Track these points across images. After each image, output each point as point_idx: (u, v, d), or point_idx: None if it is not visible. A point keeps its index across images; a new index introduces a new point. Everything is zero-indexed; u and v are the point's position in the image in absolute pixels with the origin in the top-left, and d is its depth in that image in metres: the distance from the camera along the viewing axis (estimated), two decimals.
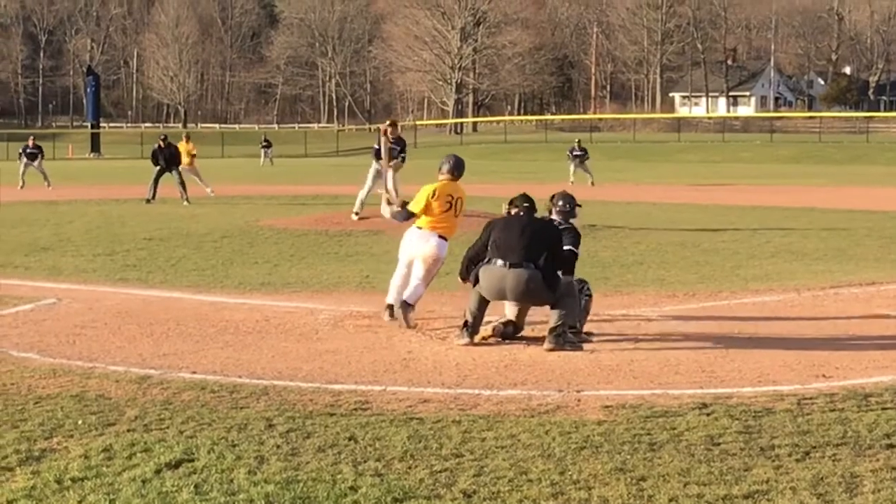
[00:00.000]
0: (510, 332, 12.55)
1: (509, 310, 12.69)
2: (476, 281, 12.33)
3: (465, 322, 12.20)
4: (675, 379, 10.54)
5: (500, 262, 12.13)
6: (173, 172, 36.55)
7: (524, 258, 12.09)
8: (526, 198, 12.80)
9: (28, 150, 48.39)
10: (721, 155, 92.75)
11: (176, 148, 37.94)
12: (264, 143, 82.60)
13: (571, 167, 53.01)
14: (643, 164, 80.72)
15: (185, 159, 38.79)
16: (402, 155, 26.69)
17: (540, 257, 12.14)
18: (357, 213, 26.75)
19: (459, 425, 8.74)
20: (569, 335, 11.98)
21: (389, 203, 14.23)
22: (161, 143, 37.30)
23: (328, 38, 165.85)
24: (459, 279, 12.91)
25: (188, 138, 41.64)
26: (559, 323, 11.90)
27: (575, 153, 52.98)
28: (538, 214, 12.79)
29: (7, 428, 8.61)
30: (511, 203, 12.95)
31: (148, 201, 35.40)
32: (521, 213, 12.62)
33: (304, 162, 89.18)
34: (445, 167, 13.78)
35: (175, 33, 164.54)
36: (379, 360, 11.29)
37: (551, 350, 11.74)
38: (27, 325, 13.30)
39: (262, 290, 16.35)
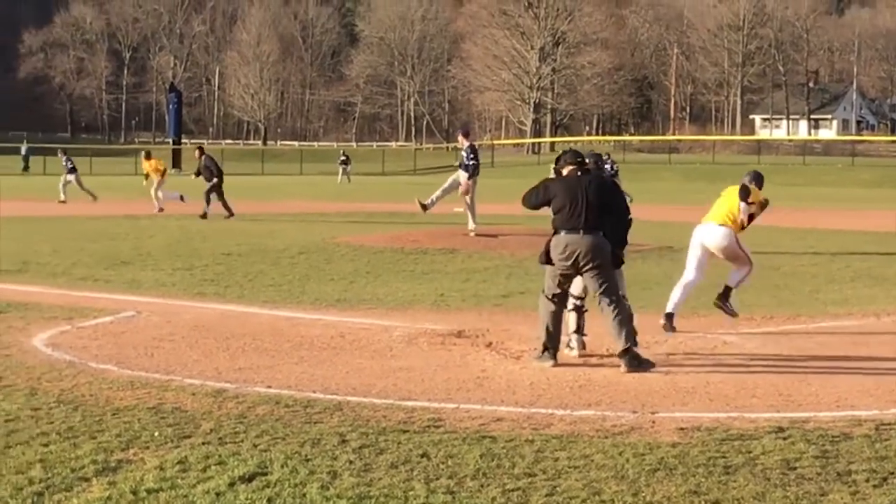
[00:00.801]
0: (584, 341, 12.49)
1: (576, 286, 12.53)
2: (547, 259, 12.15)
3: (545, 346, 12.08)
4: (751, 402, 10.44)
5: (567, 230, 11.95)
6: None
7: (593, 224, 12.01)
8: (577, 154, 12.69)
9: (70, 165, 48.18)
10: (802, 178, 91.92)
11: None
12: (343, 160, 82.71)
13: None
14: (722, 187, 79.54)
15: (153, 176, 39.42)
16: (475, 162, 26.90)
17: (606, 222, 12.11)
18: (425, 205, 27.37)
19: (532, 444, 8.71)
20: (637, 352, 11.89)
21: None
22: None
23: (407, 56, 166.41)
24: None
25: (148, 156, 41.94)
26: (628, 345, 11.81)
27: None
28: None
29: (85, 439, 8.69)
30: (558, 162, 12.90)
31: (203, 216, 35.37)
32: (579, 173, 12.34)
33: (381, 180, 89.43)
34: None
35: (256, 51, 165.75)
36: (452, 378, 11.28)
37: (629, 372, 11.65)
38: (106, 337, 13.43)
39: (338, 307, 16.40)
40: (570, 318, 12.88)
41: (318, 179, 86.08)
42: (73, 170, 47.59)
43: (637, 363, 11.74)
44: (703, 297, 18.07)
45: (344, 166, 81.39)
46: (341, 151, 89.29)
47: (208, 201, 35.82)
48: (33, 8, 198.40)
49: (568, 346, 12.78)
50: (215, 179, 35.86)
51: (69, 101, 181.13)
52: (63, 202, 44.80)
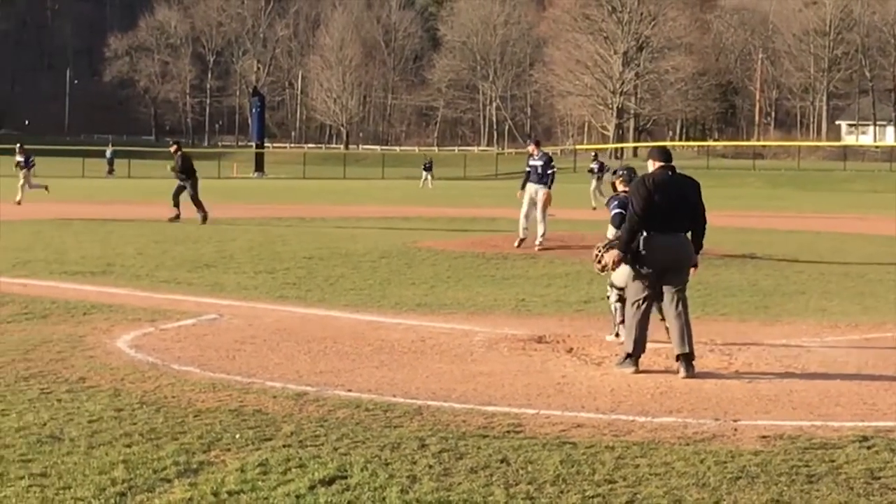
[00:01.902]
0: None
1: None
2: (635, 261, 12.03)
3: (628, 353, 12.01)
4: (835, 410, 10.32)
5: (660, 231, 11.86)
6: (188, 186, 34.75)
7: (684, 226, 12.00)
8: (666, 151, 12.52)
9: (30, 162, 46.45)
10: (888, 185, 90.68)
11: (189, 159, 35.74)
12: (426, 165, 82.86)
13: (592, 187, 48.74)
14: (807, 193, 79.39)
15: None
16: (553, 172, 26.67)
17: (691, 222, 12.09)
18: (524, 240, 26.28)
19: (613, 451, 8.67)
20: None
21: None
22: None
23: (490, 61, 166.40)
24: (617, 253, 12.30)
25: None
26: (687, 350, 11.72)
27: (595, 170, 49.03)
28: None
29: (167, 440, 8.76)
30: (615, 174, 12.92)
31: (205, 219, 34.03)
32: (671, 172, 12.17)
33: (463, 184, 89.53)
34: None
35: (339, 55, 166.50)
36: (533, 384, 11.25)
37: (687, 377, 11.57)
38: (189, 339, 13.54)
39: (419, 311, 16.42)
40: (615, 309, 13.31)
41: (400, 184, 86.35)
42: (29, 166, 45.89)
43: (693, 369, 11.67)
44: (789, 304, 17.91)
45: (428, 171, 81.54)
46: (426, 157, 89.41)
47: (176, 203, 34.55)
48: (119, 12, 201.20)
49: (615, 334, 13.33)
50: (188, 180, 34.59)
51: (153, 105, 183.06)
52: (19, 203, 43.13)
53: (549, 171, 26.43)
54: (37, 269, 20.71)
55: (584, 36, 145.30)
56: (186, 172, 34.78)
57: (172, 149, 36.04)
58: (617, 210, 13.72)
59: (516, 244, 26.13)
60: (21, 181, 45.23)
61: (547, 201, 26.36)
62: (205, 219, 33.89)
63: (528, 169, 26.87)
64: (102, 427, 9.13)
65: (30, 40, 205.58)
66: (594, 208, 44.62)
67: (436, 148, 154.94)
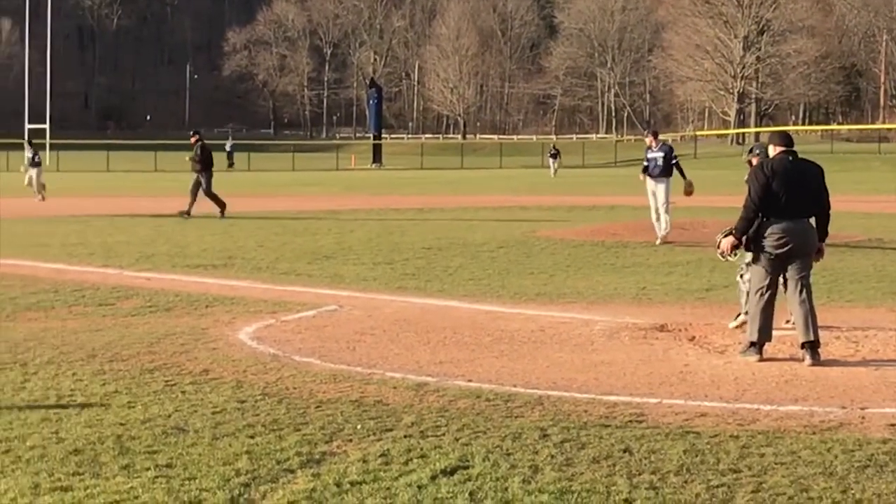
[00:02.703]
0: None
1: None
2: (754, 247, 11.88)
3: (752, 341, 11.85)
4: None
5: (783, 217, 11.70)
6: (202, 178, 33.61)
7: (808, 211, 11.84)
8: (787, 136, 12.32)
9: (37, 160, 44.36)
10: None
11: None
12: (553, 153, 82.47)
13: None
14: None
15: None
16: (675, 162, 25.67)
17: (814, 208, 11.91)
18: (665, 236, 25.08)
19: (737, 440, 8.56)
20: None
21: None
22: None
23: (607, 47, 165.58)
24: (732, 239, 12.08)
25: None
26: (813, 338, 11.53)
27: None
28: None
29: (289, 431, 8.81)
30: (751, 151, 12.69)
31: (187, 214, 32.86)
32: (792, 158, 11.98)
33: (581, 173, 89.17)
34: None
35: (455, 45, 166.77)
36: (655, 373, 11.15)
37: (813, 365, 11.39)
38: (309, 330, 13.63)
39: (538, 301, 16.37)
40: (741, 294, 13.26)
41: (518, 173, 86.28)
42: (37, 163, 44.06)
43: (818, 357, 11.49)
44: None
45: (553, 159, 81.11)
46: (552, 146, 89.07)
47: (195, 196, 33.40)
48: (237, 7, 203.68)
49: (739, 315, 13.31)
50: (203, 172, 33.55)
51: (272, 98, 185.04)
52: (43, 199, 41.86)
53: (673, 162, 25.47)
54: (159, 263, 21.00)
55: (703, 20, 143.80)
56: (204, 164, 33.70)
57: (193, 139, 34.88)
58: None
59: (658, 242, 24.86)
60: (26, 182, 43.56)
61: (667, 196, 25.24)
62: (223, 212, 32.88)
63: (646, 162, 25.80)
64: (226, 418, 9.22)
65: (150, 36, 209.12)
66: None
67: (554, 136, 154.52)
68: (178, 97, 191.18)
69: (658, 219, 25.32)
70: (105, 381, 10.62)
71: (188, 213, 32.61)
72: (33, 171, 43.22)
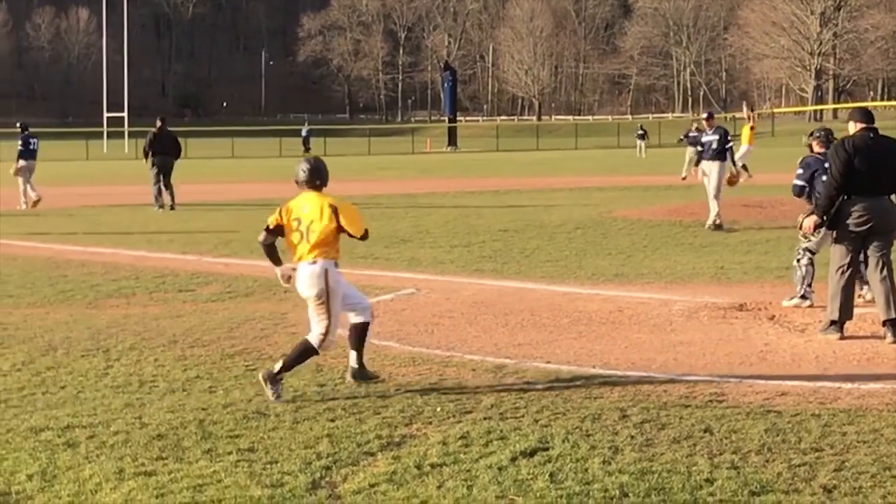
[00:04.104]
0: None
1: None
2: (835, 225, 11.75)
3: (832, 321, 11.73)
4: None
5: (863, 195, 11.58)
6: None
7: (888, 188, 11.76)
8: (867, 112, 12.18)
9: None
10: None
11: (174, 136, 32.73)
12: (640, 133, 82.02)
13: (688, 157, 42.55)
14: None
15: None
16: (730, 146, 24.41)
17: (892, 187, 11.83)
18: (716, 223, 23.61)
19: (819, 419, 8.50)
20: None
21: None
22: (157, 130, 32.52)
23: (682, 26, 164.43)
24: (815, 218, 11.97)
25: None
26: (895, 315, 11.39)
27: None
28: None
29: (369, 414, 8.86)
30: (812, 135, 12.67)
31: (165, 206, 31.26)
32: (872, 135, 11.83)
33: (657, 152, 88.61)
34: None
35: (529, 27, 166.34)
36: (735, 352, 11.09)
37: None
38: (387, 314, 13.66)
39: (615, 281, 16.32)
40: (806, 272, 13.45)
41: (594, 154, 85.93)
42: (30, 153, 33.10)
43: None
44: None
45: (642, 139, 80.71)
46: (639, 126, 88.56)
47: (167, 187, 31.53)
48: None
49: (801, 297, 13.49)
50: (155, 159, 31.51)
51: (347, 83, 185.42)
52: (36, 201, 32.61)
53: (728, 147, 24.20)
54: (238, 249, 21.14)
55: None
56: (166, 150, 31.83)
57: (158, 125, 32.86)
58: (799, 182, 13.59)
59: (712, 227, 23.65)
60: (21, 186, 33.06)
61: (725, 179, 24.08)
62: (159, 203, 31.31)
63: (699, 148, 25.07)
64: (306, 402, 9.28)
65: (225, 23, 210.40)
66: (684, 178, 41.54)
67: (629, 116, 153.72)
68: (254, 84, 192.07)
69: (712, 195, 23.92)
70: (186, 367, 10.73)
71: (173, 205, 31.14)
72: (22, 163, 32.90)
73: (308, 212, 9.57)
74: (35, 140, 33.36)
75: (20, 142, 33.08)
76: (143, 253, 20.81)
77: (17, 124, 34.61)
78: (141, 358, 11.17)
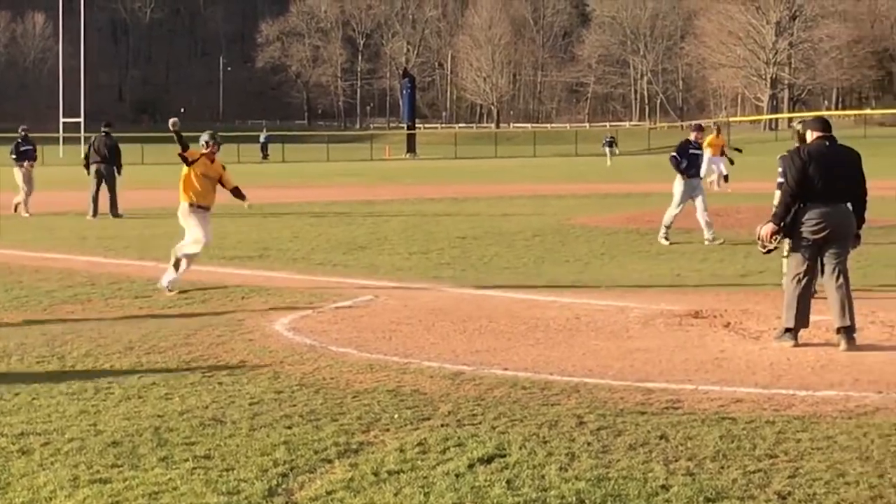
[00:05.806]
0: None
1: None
2: (789, 234, 11.80)
3: (787, 328, 11.80)
4: None
5: (820, 201, 11.62)
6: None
7: (844, 196, 11.74)
8: (824, 122, 12.24)
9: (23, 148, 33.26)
10: None
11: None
12: (608, 140, 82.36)
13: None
14: None
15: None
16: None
17: (851, 193, 11.81)
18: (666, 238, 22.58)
19: (773, 426, 8.55)
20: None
21: None
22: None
23: (640, 35, 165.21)
24: (771, 226, 11.88)
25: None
26: (849, 322, 11.49)
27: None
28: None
29: (327, 421, 8.84)
30: (803, 124, 12.65)
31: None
32: (829, 143, 11.88)
33: (615, 160, 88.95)
34: None
35: (488, 34, 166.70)
36: (691, 359, 11.14)
37: (849, 350, 11.36)
38: (346, 321, 13.66)
39: (573, 288, 16.35)
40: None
41: (552, 161, 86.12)
42: (29, 155, 33.17)
43: (854, 342, 11.48)
44: None
45: (609, 147, 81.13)
46: (607, 135, 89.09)
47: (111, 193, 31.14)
48: None
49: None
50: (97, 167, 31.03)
51: (305, 89, 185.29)
52: (27, 213, 32.06)
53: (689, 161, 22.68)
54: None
55: (735, 6, 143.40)
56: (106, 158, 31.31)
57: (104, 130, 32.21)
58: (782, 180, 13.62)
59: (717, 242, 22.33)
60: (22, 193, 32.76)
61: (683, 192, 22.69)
62: (95, 212, 30.81)
63: (684, 160, 22.64)
64: (263, 409, 9.25)
65: (183, 29, 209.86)
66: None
67: (587, 124, 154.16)
68: (212, 89, 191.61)
69: (705, 215, 22.73)
70: (142, 374, 10.68)
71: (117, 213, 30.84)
72: (25, 165, 32.83)
73: None
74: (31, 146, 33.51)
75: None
76: (100, 259, 20.71)
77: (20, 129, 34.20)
78: (97, 365, 11.11)
